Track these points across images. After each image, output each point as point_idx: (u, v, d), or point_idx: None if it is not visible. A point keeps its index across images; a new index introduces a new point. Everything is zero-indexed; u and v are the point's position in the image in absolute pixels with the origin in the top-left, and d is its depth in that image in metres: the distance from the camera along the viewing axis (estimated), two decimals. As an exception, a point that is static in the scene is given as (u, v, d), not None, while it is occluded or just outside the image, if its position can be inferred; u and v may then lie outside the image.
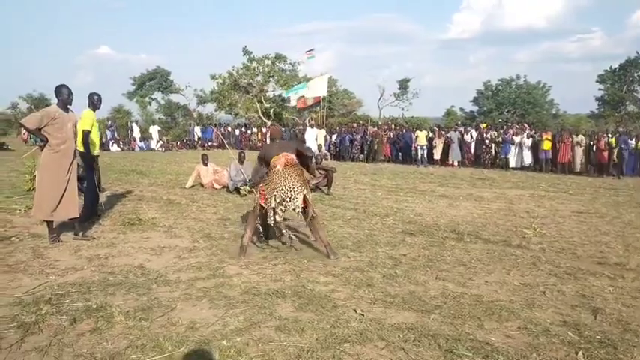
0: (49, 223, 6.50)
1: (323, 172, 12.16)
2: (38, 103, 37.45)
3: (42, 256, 5.76)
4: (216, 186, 12.00)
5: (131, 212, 8.61)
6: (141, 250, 6.20)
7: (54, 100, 6.63)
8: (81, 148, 7.58)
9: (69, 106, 6.56)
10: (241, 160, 11.55)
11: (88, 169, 7.87)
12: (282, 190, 5.86)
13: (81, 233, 6.70)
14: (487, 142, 21.43)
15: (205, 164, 12.26)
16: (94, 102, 7.96)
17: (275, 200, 5.87)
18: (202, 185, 12.22)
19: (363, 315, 4.13)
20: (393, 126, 26.88)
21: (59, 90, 6.46)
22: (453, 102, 57.33)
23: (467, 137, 21.93)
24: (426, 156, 21.89)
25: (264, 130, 31.13)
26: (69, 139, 6.47)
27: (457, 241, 7.10)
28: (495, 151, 21.43)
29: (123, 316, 3.93)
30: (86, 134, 7.56)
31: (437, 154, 21.83)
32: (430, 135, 22.63)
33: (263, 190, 6.06)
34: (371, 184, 14.61)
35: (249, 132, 31.25)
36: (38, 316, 3.87)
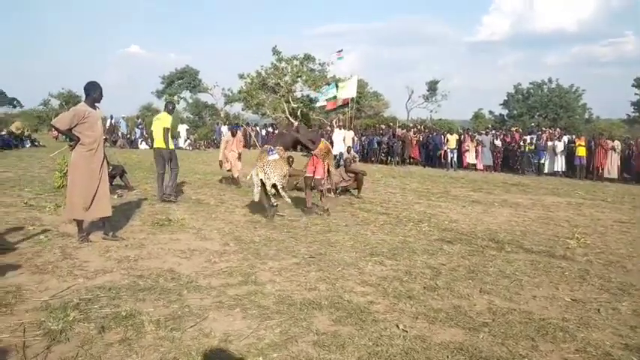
0: (79, 223, 6.36)
1: (352, 174, 11.92)
2: (69, 99, 37.97)
3: (70, 256, 5.61)
4: (234, 170, 12.32)
5: (160, 212, 8.47)
6: (170, 252, 6.02)
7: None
8: (163, 145, 9.57)
9: (96, 104, 6.39)
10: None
11: (174, 160, 9.77)
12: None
13: (111, 233, 6.55)
14: (520, 146, 20.90)
15: (234, 134, 12.63)
16: (170, 109, 10.09)
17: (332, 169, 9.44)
18: (227, 160, 12.40)
19: (406, 331, 3.85)
20: (422, 128, 26.47)
21: (93, 87, 6.25)
22: (480, 105, 56.43)
23: (497, 142, 21.43)
24: (456, 159, 21.47)
25: (290, 130, 30.95)
26: (100, 136, 6.32)
27: (498, 251, 6.77)
28: (528, 156, 20.91)
29: (153, 325, 3.73)
30: (167, 131, 9.53)
31: (470, 158, 21.33)
32: (461, 138, 22.16)
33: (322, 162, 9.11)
34: (401, 187, 14.30)
35: (276, 132, 31.14)
36: (65, 324, 3.68)
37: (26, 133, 25.16)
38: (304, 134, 9.27)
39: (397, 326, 3.96)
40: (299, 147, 9.89)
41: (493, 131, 23.66)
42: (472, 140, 21.44)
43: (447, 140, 21.62)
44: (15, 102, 49.90)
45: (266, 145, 8.76)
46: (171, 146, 9.80)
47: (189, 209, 9.00)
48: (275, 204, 8.29)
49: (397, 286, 5.01)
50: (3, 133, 23.23)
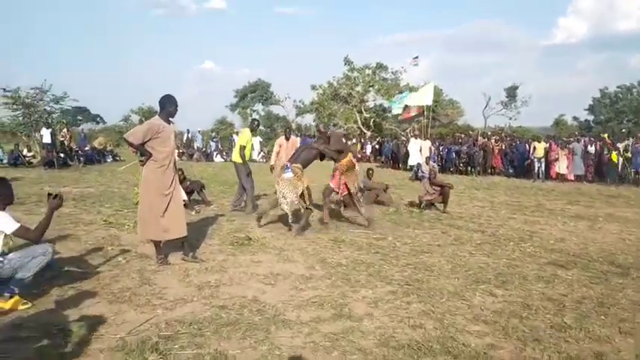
0: (156, 243, 6.00)
1: (437, 187, 11.10)
2: (149, 115, 39.20)
3: (149, 282, 5.22)
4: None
5: (239, 230, 8.07)
6: (253, 277, 5.52)
7: None
8: (238, 160, 9.76)
9: (171, 119, 6.01)
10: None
11: (247, 176, 9.80)
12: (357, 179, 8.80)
13: (190, 254, 6.16)
14: (615, 154, 19.19)
15: (287, 138, 10.84)
16: (254, 127, 10.33)
17: (356, 186, 8.57)
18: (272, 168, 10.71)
19: (547, 390, 3.12)
20: (504, 136, 25.11)
21: (168, 101, 5.87)
22: (560, 111, 53.36)
23: (590, 148, 19.78)
24: (543, 169, 20.01)
25: (362, 141, 30.39)
26: (172, 152, 5.95)
27: (623, 278, 5.82)
28: (625, 165, 19.19)
29: (242, 374, 3.20)
30: (242, 148, 9.66)
31: (561, 168, 19.71)
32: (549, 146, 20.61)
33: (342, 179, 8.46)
34: (488, 200, 13.32)
35: (348, 143, 30.65)
36: (143, 370, 3.22)
37: (108, 148, 26.02)
38: (334, 143, 8.49)
39: (533, 382, 3.22)
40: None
41: (585, 138, 21.91)
42: (562, 148, 19.87)
43: (534, 148, 20.18)
44: (98, 118, 52.35)
45: (285, 162, 8.25)
46: (244, 161, 9.79)
47: (269, 226, 8.56)
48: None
49: (517, 324, 4.25)
50: (87, 148, 24.07)
